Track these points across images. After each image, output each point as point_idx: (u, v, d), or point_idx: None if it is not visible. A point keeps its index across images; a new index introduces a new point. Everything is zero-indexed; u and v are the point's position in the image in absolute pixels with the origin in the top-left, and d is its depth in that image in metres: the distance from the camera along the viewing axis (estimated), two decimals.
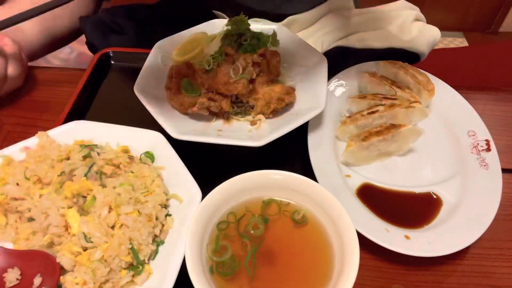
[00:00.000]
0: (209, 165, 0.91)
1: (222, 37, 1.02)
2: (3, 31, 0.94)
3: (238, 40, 1.00)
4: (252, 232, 0.69)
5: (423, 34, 1.26)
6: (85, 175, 0.75)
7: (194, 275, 0.59)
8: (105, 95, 1.11)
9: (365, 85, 1.02)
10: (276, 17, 1.24)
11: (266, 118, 0.92)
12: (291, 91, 0.91)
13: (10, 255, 0.70)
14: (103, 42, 1.24)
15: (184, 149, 0.83)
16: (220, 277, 0.64)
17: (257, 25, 1.06)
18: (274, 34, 1.04)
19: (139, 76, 0.94)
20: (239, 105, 0.96)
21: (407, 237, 0.76)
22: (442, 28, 1.33)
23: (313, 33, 1.31)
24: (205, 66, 0.90)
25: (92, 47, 1.33)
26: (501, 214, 0.81)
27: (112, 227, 0.70)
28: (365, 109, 0.94)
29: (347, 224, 0.65)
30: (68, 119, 0.97)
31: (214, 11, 1.41)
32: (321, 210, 0.70)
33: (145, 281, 0.68)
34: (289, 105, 0.92)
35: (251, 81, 0.92)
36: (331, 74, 1.02)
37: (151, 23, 1.32)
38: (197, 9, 1.38)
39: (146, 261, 0.69)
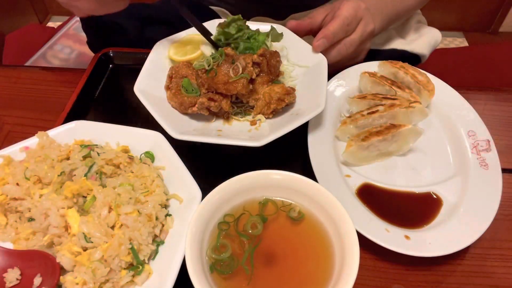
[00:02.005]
0: (209, 165, 0.91)
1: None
2: None
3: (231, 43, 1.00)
4: (250, 231, 0.69)
5: (424, 36, 1.26)
6: (85, 175, 0.75)
7: (194, 275, 0.59)
8: (105, 95, 1.11)
9: (365, 85, 1.02)
10: (281, 13, 1.23)
11: (266, 118, 0.92)
12: (291, 91, 0.91)
13: (10, 255, 0.70)
14: (103, 42, 1.24)
15: (184, 149, 0.83)
16: (219, 275, 0.64)
17: (256, 25, 1.06)
18: (273, 29, 1.03)
19: (139, 76, 0.94)
20: (239, 105, 0.96)
21: (407, 237, 0.76)
22: (442, 28, 1.33)
23: None
24: (205, 66, 0.90)
25: (93, 47, 1.34)
26: (501, 214, 0.81)
27: (112, 227, 0.70)
28: (365, 109, 0.94)
29: (347, 224, 0.65)
30: (68, 119, 0.97)
31: (211, 7, 1.40)
32: (321, 210, 0.70)
33: (145, 281, 0.68)
34: (289, 105, 0.92)
35: (251, 81, 0.92)
36: (331, 74, 1.02)
37: (152, 22, 1.32)
38: (195, 5, 1.37)
39: (146, 261, 0.69)
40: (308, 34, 1.05)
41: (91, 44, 1.35)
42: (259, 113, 0.92)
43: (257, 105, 0.92)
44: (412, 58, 1.24)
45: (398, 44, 1.23)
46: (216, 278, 0.64)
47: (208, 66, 0.90)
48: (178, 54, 1.02)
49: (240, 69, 0.88)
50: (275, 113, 0.92)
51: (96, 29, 1.30)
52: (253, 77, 0.90)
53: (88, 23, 1.30)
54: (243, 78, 0.88)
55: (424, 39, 1.25)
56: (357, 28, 0.98)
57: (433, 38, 1.27)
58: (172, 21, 1.31)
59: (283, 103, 0.90)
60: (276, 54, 0.97)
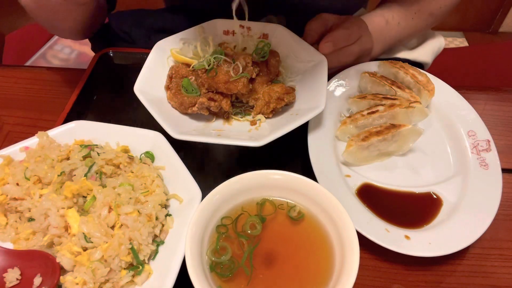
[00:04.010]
0: (209, 165, 0.91)
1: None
2: None
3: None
4: (249, 231, 0.69)
5: (427, 43, 1.24)
6: (85, 175, 0.75)
7: (194, 275, 0.59)
8: (105, 95, 1.11)
9: (365, 85, 1.02)
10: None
11: (266, 118, 0.92)
12: (290, 90, 0.91)
13: (10, 255, 0.70)
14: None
15: (184, 149, 0.83)
16: (218, 277, 0.64)
17: (256, 26, 1.05)
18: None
19: (139, 76, 0.94)
20: (239, 105, 0.96)
21: (407, 237, 0.76)
22: (442, 28, 1.34)
23: None
24: (205, 66, 0.90)
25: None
26: (501, 214, 0.81)
27: (112, 227, 0.70)
28: (365, 109, 0.94)
29: (347, 224, 0.65)
30: (68, 119, 0.97)
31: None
32: (321, 210, 0.70)
33: (145, 281, 0.68)
34: (289, 105, 0.92)
35: (251, 80, 0.92)
36: (330, 75, 1.02)
37: (159, 31, 1.30)
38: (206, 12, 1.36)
39: (146, 261, 0.69)
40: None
41: (95, 51, 1.34)
42: (259, 113, 0.92)
43: (257, 104, 0.92)
44: (415, 66, 1.23)
45: (401, 53, 1.22)
46: (216, 278, 0.64)
47: (208, 66, 0.90)
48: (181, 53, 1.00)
49: (241, 69, 0.88)
50: (274, 112, 0.92)
51: (103, 37, 1.28)
52: (253, 76, 0.91)
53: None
54: (244, 77, 0.88)
55: (427, 47, 1.24)
56: (357, 41, 1.03)
57: (437, 45, 1.26)
58: (179, 29, 1.30)
59: (283, 103, 0.90)
60: (275, 54, 0.97)
